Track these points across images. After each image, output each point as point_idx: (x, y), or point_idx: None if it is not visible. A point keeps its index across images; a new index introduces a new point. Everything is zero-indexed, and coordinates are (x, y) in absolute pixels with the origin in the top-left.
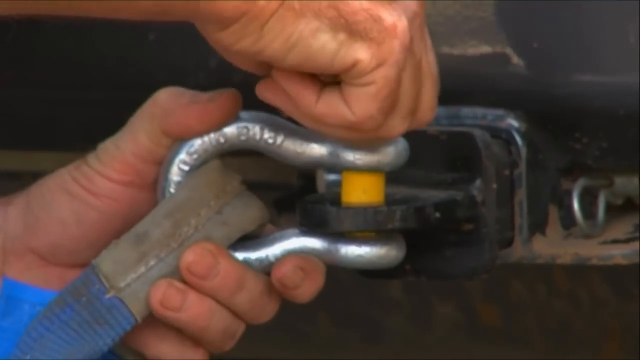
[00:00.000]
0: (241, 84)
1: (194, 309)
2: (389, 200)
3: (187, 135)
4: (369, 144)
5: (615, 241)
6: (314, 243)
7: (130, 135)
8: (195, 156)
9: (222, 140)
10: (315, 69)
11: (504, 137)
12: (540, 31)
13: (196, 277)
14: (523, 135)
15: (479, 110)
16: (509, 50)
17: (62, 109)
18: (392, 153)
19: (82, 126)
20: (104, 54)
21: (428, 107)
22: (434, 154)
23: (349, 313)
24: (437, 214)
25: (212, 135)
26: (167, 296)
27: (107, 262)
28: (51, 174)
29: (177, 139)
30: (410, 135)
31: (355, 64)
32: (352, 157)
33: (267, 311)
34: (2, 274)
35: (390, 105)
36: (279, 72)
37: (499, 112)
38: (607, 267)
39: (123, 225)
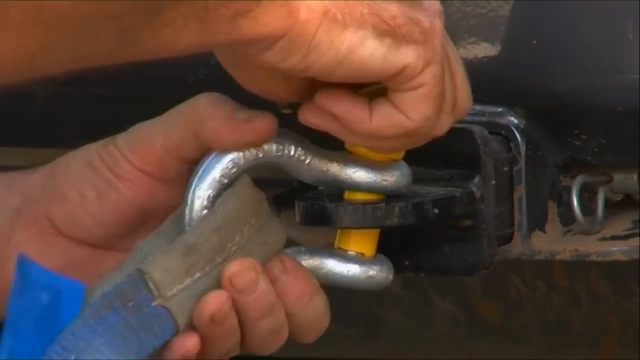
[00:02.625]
0: None
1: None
2: (388, 197)
3: (217, 146)
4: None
5: (614, 237)
6: (304, 262)
7: (163, 128)
8: (234, 170)
9: (260, 155)
10: (365, 78)
11: (503, 133)
12: (539, 28)
13: (235, 289)
14: (522, 132)
15: (478, 107)
16: (508, 47)
17: (63, 106)
18: (407, 174)
19: (83, 123)
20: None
21: (466, 96)
22: (432, 150)
23: (348, 309)
24: (436, 210)
25: (252, 150)
26: (220, 311)
27: (156, 269)
28: (80, 148)
29: (206, 145)
30: None
31: (404, 67)
32: (370, 176)
33: (276, 343)
34: (10, 237)
35: (441, 103)
36: (324, 96)
37: (498, 108)
38: (606, 263)
39: (139, 213)
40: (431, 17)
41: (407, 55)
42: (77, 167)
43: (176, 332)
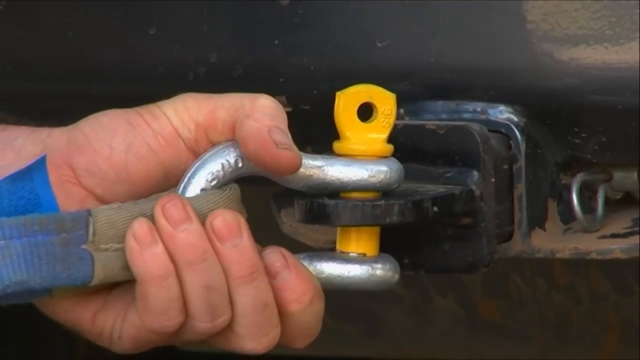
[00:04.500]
0: (240, 78)
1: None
2: (387, 195)
3: (241, 144)
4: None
5: (614, 235)
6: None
7: (212, 104)
8: (214, 182)
9: (240, 165)
10: None
11: (503, 131)
12: (538, 27)
13: (166, 217)
14: (522, 130)
15: (478, 105)
16: (507, 46)
17: (64, 103)
18: (396, 170)
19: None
20: (105, 49)
21: None
22: (432, 148)
23: (348, 307)
24: (435, 208)
25: (232, 162)
26: (141, 229)
27: (103, 218)
28: (109, 110)
29: (234, 137)
30: (410, 129)
31: None
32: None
33: (263, 337)
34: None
35: None
36: None
37: (499, 106)
38: (607, 261)
39: (160, 174)
40: None
41: None
42: (108, 122)
43: (87, 283)
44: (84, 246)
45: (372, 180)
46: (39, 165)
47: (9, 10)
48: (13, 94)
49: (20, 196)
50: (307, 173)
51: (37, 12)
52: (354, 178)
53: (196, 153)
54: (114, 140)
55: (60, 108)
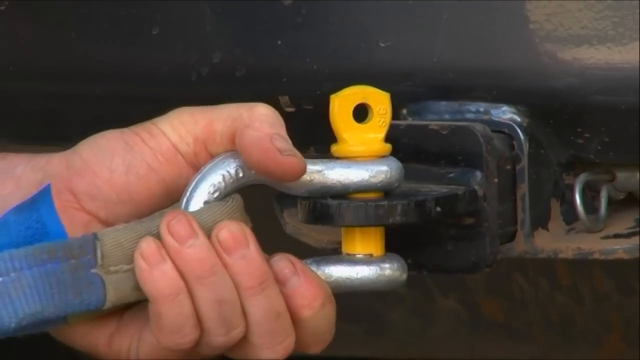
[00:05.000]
0: (243, 78)
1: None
2: (390, 195)
3: (244, 154)
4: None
5: (617, 236)
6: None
7: (208, 116)
8: (216, 193)
9: (240, 175)
10: None
11: (506, 131)
12: (541, 27)
13: (171, 234)
14: (525, 130)
15: (481, 105)
16: (510, 46)
17: (67, 103)
18: (396, 169)
19: (87, 120)
20: (108, 49)
21: None
22: (435, 149)
23: (352, 306)
24: (438, 208)
25: (233, 172)
26: (149, 248)
27: (110, 241)
28: (106, 131)
29: (235, 147)
30: (413, 130)
31: None
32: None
33: (279, 345)
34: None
35: None
36: None
37: (502, 107)
38: (609, 261)
39: (162, 191)
40: None
41: None
42: (106, 144)
43: (100, 307)
44: (93, 270)
45: (373, 180)
46: (44, 194)
47: (14, 10)
48: (17, 94)
49: (27, 226)
50: (308, 178)
51: (41, 12)
52: (355, 179)
53: (196, 166)
54: (113, 162)
55: (62, 108)
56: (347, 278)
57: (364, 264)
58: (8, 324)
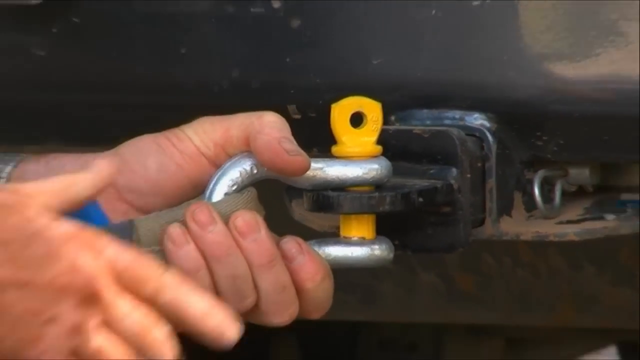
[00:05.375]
0: (258, 90)
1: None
2: (381, 188)
3: (258, 156)
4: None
5: (569, 222)
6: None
7: (226, 125)
8: (234, 187)
9: (255, 171)
10: None
11: (477, 135)
12: (508, 46)
13: (194, 221)
14: (493, 134)
15: (457, 113)
16: (481, 63)
17: (110, 111)
18: (386, 167)
19: (126, 125)
20: (143, 64)
21: None
22: (418, 149)
23: (349, 281)
24: (420, 199)
25: (248, 169)
26: (175, 232)
27: (144, 227)
28: (142, 135)
29: (249, 149)
30: (400, 134)
31: None
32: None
33: (285, 312)
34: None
35: None
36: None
37: (474, 114)
38: (562, 242)
39: (188, 185)
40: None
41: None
42: (143, 146)
43: None
44: None
45: (366, 176)
46: None
47: (64, 34)
48: (67, 103)
49: (76, 215)
50: (312, 174)
51: (88, 34)
52: (351, 175)
53: (216, 165)
54: (147, 161)
55: (106, 116)
56: (343, 257)
57: (357, 245)
58: None
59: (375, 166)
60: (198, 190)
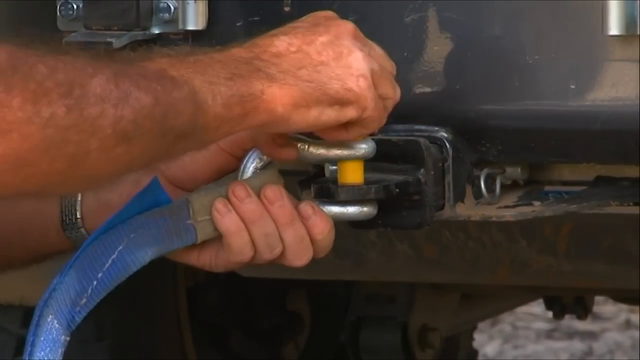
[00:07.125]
0: None
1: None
2: (367, 181)
3: (262, 150)
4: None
5: (506, 207)
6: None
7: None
8: (261, 163)
9: None
10: (327, 129)
11: (438, 143)
12: (456, 71)
13: (234, 195)
14: (450, 142)
15: (423, 127)
16: (441, 90)
17: None
18: (371, 147)
19: None
20: None
21: (393, 93)
22: (396, 153)
23: (344, 248)
24: (397, 190)
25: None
26: (220, 203)
27: (197, 202)
28: None
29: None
30: (382, 142)
31: (350, 119)
32: (346, 151)
33: (304, 255)
34: (138, 181)
35: (381, 115)
36: (326, 133)
37: (436, 128)
38: (502, 222)
39: (213, 172)
40: (357, 80)
41: (349, 112)
42: None
43: (194, 242)
44: (188, 221)
45: (358, 154)
46: (155, 181)
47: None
48: None
49: (148, 200)
50: (316, 152)
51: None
52: (347, 153)
53: (236, 157)
54: (186, 160)
55: None
56: (341, 213)
57: (350, 205)
58: (142, 261)
59: (365, 146)
60: (219, 174)
